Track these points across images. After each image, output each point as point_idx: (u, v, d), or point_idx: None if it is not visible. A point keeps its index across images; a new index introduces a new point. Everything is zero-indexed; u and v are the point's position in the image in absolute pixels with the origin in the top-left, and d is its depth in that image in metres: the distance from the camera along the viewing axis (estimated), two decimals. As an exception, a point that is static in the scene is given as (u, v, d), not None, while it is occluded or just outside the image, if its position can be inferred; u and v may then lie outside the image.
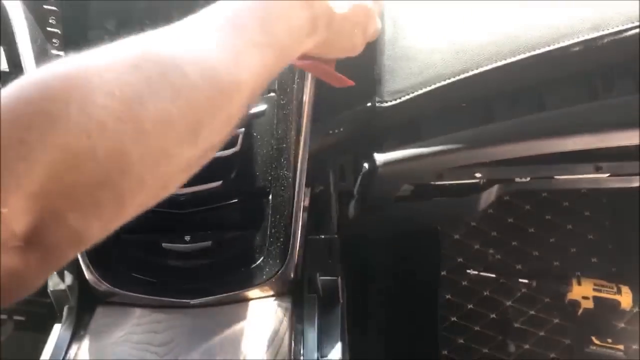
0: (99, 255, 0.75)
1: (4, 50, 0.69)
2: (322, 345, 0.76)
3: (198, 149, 0.37)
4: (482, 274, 1.41)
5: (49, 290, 0.82)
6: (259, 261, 0.77)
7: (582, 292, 1.33)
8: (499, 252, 1.46)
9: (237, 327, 0.78)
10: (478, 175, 0.88)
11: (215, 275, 0.77)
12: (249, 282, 0.77)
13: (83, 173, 0.31)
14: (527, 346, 1.37)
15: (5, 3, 0.67)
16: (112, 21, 0.70)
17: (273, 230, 0.76)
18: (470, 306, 1.42)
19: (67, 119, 0.30)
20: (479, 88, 0.70)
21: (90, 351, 0.77)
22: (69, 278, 0.82)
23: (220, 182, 0.71)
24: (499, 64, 0.66)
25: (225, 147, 0.69)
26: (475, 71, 0.67)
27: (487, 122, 0.71)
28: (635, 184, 0.97)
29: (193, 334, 0.78)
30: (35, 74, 0.32)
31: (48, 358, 0.77)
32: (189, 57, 0.36)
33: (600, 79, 0.68)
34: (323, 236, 0.84)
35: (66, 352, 0.78)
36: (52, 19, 0.68)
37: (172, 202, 0.72)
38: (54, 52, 0.68)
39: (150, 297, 0.78)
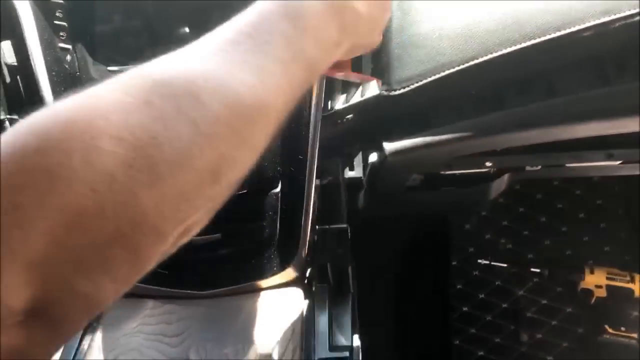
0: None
1: (12, 44, 0.70)
2: (334, 334, 0.76)
3: (221, 187, 0.34)
4: (493, 263, 1.41)
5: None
6: (269, 252, 0.77)
7: (595, 280, 1.33)
8: (510, 242, 1.45)
9: (248, 317, 0.78)
10: (488, 164, 0.87)
11: (226, 266, 0.77)
12: (260, 273, 0.78)
13: (89, 232, 0.27)
14: (539, 335, 1.37)
15: (13, -3, 0.67)
16: (119, 15, 0.70)
17: (283, 221, 0.76)
18: (481, 296, 1.42)
19: (69, 174, 0.27)
20: (488, 75, 0.69)
21: (103, 342, 0.78)
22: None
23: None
24: (509, 50, 0.66)
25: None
26: (485, 58, 0.67)
27: (497, 110, 0.71)
28: (648, 171, 0.96)
29: (205, 324, 0.78)
30: (34, 119, 0.28)
31: (61, 349, 0.78)
32: (206, 83, 0.32)
33: (612, 64, 0.67)
34: (333, 226, 0.84)
35: (79, 344, 0.78)
36: (59, 12, 0.68)
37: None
38: (61, 45, 0.68)
39: (163, 288, 0.78)
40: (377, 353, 1.20)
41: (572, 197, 1.47)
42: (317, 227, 0.81)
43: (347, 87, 0.75)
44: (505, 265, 1.40)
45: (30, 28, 0.66)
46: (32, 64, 0.67)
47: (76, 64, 0.69)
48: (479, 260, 1.42)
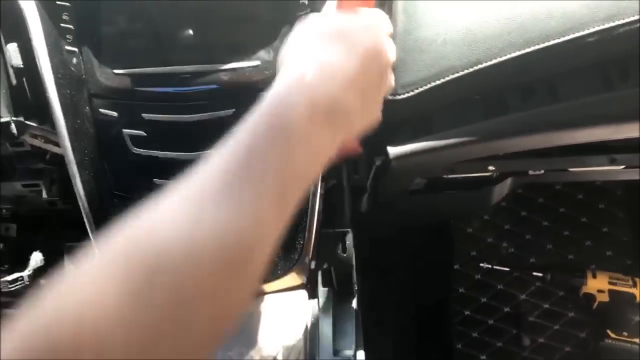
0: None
1: (18, 46, 0.70)
2: (337, 338, 0.76)
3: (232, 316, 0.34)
4: (495, 267, 1.41)
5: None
6: (273, 255, 0.77)
7: (598, 285, 1.32)
8: (512, 246, 1.45)
9: (253, 320, 0.78)
10: (491, 168, 0.87)
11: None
12: (264, 276, 0.78)
13: None
14: (541, 340, 1.37)
15: (20, -1, 0.67)
16: (125, 17, 0.70)
17: (287, 225, 0.76)
18: (484, 300, 1.42)
19: None
20: (492, 80, 0.69)
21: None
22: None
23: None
24: (513, 55, 0.66)
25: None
26: (489, 63, 0.67)
27: (500, 115, 0.71)
28: (651, 176, 0.96)
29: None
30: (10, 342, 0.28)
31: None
32: (181, 249, 0.31)
33: (615, 69, 0.68)
34: (337, 230, 0.84)
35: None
36: (66, 15, 0.68)
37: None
38: (68, 47, 0.68)
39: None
40: (379, 357, 1.20)
41: (575, 202, 1.47)
42: (321, 230, 0.81)
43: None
44: (507, 269, 1.40)
45: (37, 30, 0.67)
46: (38, 66, 0.67)
47: (82, 66, 0.69)
48: (481, 264, 1.42)
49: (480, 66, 0.67)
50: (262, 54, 0.69)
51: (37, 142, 0.77)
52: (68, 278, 0.31)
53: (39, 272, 0.87)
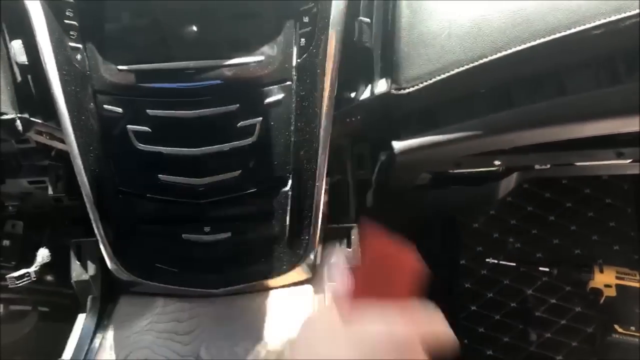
0: (121, 246, 0.75)
1: (23, 43, 0.70)
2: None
3: None
4: (502, 262, 1.40)
5: (72, 281, 0.83)
6: (279, 251, 0.77)
7: (605, 280, 1.32)
8: (518, 241, 1.45)
9: (259, 315, 0.78)
10: (497, 162, 0.87)
11: (236, 265, 0.78)
12: (270, 271, 0.78)
13: None
14: (548, 335, 1.36)
15: (24, -4, 0.68)
16: (129, 14, 0.70)
17: (293, 220, 0.76)
18: (490, 295, 1.41)
19: None
20: (497, 73, 0.69)
21: (114, 340, 0.78)
22: (92, 268, 0.83)
23: (239, 172, 0.72)
24: (518, 48, 0.65)
25: (243, 137, 0.69)
26: (494, 56, 0.66)
27: (506, 108, 0.71)
28: (658, 170, 0.95)
29: (216, 322, 0.79)
30: None
31: (73, 347, 0.79)
32: None
33: (622, 62, 0.67)
34: (342, 225, 0.84)
35: (91, 341, 0.79)
36: (70, 11, 0.68)
37: (191, 193, 0.72)
38: (72, 44, 0.68)
39: (173, 287, 0.78)
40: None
41: (581, 196, 1.46)
42: (326, 225, 0.81)
43: (355, 86, 0.75)
44: (514, 264, 1.40)
45: (41, 27, 0.67)
46: (43, 63, 0.67)
47: (86, 63, 0.69)
48: (488, 260, 1.42)
49: (485, 60, 0.67)
50: (266, 49, 0.69)
51: (42, 139, 0.77)
52: None
53: (46, 269, 0.88)
